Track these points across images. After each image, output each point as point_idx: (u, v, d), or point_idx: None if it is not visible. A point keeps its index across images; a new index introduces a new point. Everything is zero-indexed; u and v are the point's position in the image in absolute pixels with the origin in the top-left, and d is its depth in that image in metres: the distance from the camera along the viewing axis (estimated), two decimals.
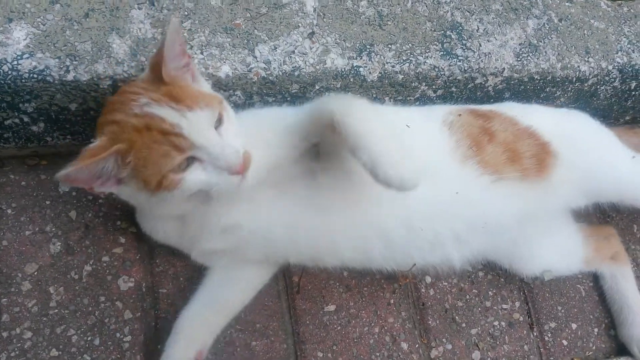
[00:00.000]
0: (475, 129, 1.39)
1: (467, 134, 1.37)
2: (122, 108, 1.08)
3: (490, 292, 1.61)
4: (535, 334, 1.60)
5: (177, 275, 1.45)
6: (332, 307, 1.50)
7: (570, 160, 1.43)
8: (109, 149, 1.03)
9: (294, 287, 1.49)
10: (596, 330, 1.64)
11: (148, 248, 1.44)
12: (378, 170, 1.07)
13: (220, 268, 1.39)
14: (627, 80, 1.69)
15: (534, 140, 1.41)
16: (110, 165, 1.05)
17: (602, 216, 1.79)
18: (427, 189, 1.18)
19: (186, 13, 1.37)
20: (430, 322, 1.54)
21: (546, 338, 1.59)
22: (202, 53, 1.34)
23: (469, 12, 1.57)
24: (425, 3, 1.54)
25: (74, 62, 1.27)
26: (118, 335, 1.36)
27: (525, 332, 1.59)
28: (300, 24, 1.44)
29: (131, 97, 1.08)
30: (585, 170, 1.45)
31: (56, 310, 1.35)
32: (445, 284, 1.60)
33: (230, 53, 1.37)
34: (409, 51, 1.49)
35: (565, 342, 1.61)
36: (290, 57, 1.41)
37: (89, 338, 1.35)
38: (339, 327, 1.48)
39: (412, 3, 1.54)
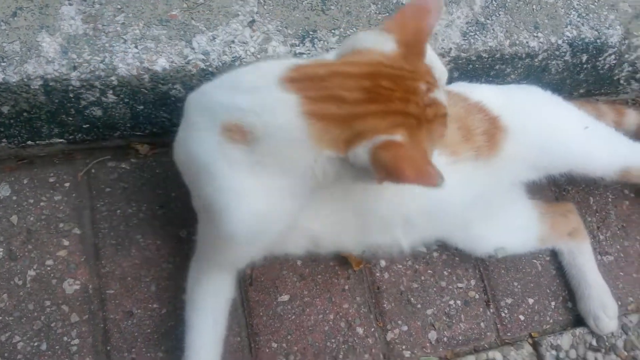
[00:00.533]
0: None
1: None
2: None
3: (445, 272, 1.62)
4: (491, 310, 1.61)
5: (124, 275, 1.44)
6: (286, 297, 1.50)
7: (520, 134, 1.42)
8: None
9: (247, 280, 1.48)
10: (553, 303, 1.65)
11: (93, 249, 1.41)
12: None
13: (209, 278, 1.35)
14: (578, 53, 1.68)
15: (484, 115, 1.40)
16: None
17: (557, 190, 1.79)
18: None
19: (119, 6, 1.33)
20: (385, 305, 1.55)
21: (503, 314, 1.61)
22: (136, 47, 1.32)
23: None
24: None
25: (2, 64, 1.24)
26: (65, 339, 1.35)
27: (481, 309, 1.60)
28: (239, 12, 1.41)
29: None
30: (535, 142, 1.44)
31: (0, 318, 1.33)
32: (400, 266, 1.60)
33: (166, 46, 1.34)
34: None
35: (522, 317, 1.62)
36: (230, 47, 1.38)
37: (36, 344, 1.34)
38: (293, 317, 1.49)
39: None
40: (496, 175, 1.41)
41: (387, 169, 0.95)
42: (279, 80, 1.01)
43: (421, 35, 1.07)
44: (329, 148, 0.99)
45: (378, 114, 0.98)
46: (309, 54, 1.42)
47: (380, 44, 1.05)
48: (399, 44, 1.05)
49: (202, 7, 1.39)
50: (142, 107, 1.41)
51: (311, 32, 1.44)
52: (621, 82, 1.88)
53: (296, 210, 1.13)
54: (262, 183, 1.04)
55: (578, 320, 1.67)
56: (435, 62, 1.25)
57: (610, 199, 1.83)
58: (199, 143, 1.08)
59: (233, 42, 1.38)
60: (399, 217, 1.34)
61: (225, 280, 1.32)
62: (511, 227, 1.62)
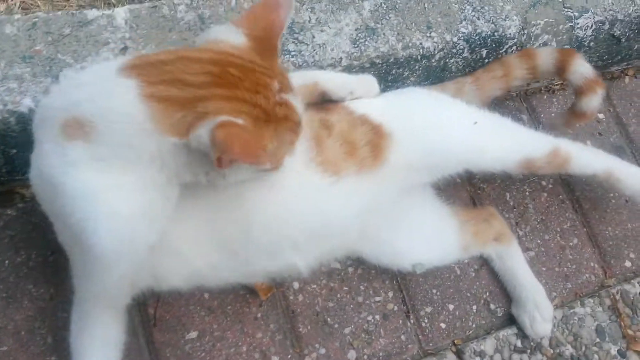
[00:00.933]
0: (316, 124, 1.31)
1: (311, 132, 1.29)
2: None
3: (361, 287, 1.57)
4: (412, 321, 1.57)
5: (18, 329, 1.36)
6: (194, 334, 1.43)
7: (405, 139, 1.37)
8: None
9: (150, 320, 1.41)
10: (475, 307, 1.61)
11: None
12: None
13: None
14: (477, 49, 1.64)
15: (367, 127, 1.35)
16: None
17: (472, 189, 1.75)
18: (266, 197, 1.20)
19: None
20: (301, 329, 1.49)
21: (423, 324, 1.57)
22: None
23: (298, 2, 1.49)
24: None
25: None
26: None
27: (401, 321, 1.55)
28: (110, 40, 1.33)
29: None
30: (421, 145, 1.39)
31: None
32: (315, 286, 1.54)
33: (31, 84, 1.26)
34: None
35: (443, 325, 1.58)
36: None
37: None
38: (203, 354, 1.42)
39: (235, 1, 1.44)
40: (386, 183, 1.37)
41: (218, 145, 0.91)
42: (119, 69, 0.97)
43: (272, 30, 1.07)
44: (171, 133, 0.95)
45: (223, 98, 0.95)
46: None
47: (231, 37, 1.04)
48: (249, 38, 1.05)
49: (68, 38, 1.31)
50: (15, 150, 1.32)
51: None
52: None
53: (159, 210, 1.06)
54: (111, 180, 0.98)
55: (502, 321, 1.64)
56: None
57: (527, 193, 1.81)
58: (43, 158, 1.02)
59: None
60: (284, 240, 1.28)
61: (112, 321, 1.24)
62: (428, 239, 1.58)
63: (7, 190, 1.46)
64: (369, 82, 1.43)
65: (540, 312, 1.59)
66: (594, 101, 1.62)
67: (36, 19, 1.31)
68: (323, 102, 1.37)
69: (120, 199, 1.00)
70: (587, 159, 1.60)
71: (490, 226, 1.65)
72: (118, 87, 0.97)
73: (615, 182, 1.61)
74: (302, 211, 1.28)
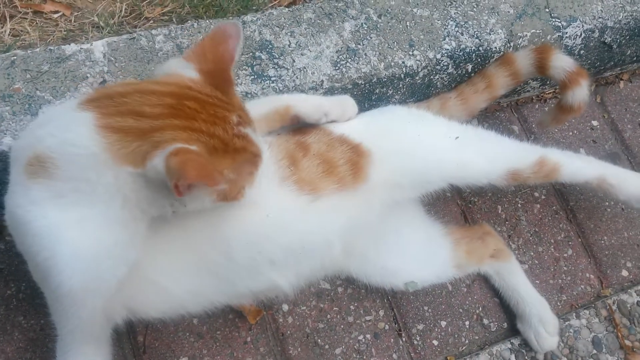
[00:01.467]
0: (292, 145, 1.32)
1: (285, 153, 1.30)
2: None
3: (351, 307, 1.57)
4: (403, 339, 1.56)
5: None
6: None
7: (385, 156, 1.37)
8: None
9: (140, 348, 1.42)
10: (467, 323, 1.61)
11: None
12: None
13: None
14: (462, 64, 1.63)
15: (346, 147, 1.35)
16: None
17: (463, 203, 1.74)
18: (244, 217, 1.21)
19: None
20: (291, 351, 1.50)
21: (415, 342, 1.56)
22: None
23: (278, 27, 1.49)
24: None
25: None
26: None
27: (392, 340, 1.55)
28: (89, 74, 1.35)
29: None
30: (402, 162, 1.40)
31: None
32: (304, 307, 1.55)
33: (11, 122, 1.28)
34: None
35: (435, 342, 1.58)
36: None
37: None
38: None
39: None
40: (369, 200, 1.37)
41: (173, 172, 0.91)
42: (77, 104, 0.99)
43: (223, 63, 1.07)
44: (127, 163, 0.96)
45: (179, 127, 0.96)
46: None
47: (185, 71, 1.05)
48: (200, 73, 1.05)
49: (46, 75, 1.32)
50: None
51: None
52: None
53: (126, 246, 1.07)
54: (73, 218, 1.00)
55: (496, 336, 1.63)
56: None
57: (519, 205, 1.80)
58: (11, 198, 1.05)
59: None
60: (262, 259, 1.28)
61: (94, 354, 1.25)
62: (419, 257, 1.58)
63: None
64: (345, 103, 1.43)
65: (545, 326, 1.58)
66: (579, 93, 1.58)
67: (14, 57, 1.33)
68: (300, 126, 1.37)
69: (84, 236, 1.01)
70: (577, 166, 1.58)
71: (484, 244, 1.64)
72: (75, 120, 0.99)
73: (609, 187, 1.58)
74: (278, 229, 1.29)
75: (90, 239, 1.02)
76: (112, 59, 1.37)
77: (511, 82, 1.67)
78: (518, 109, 1.90)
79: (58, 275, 1.02)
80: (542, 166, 1.51)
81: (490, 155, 1.50)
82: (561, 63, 1.58)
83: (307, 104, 1.37)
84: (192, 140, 0.97)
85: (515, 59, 1.64)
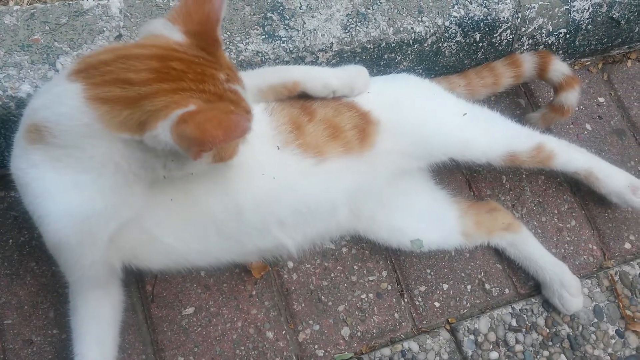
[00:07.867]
0: (296, 110, 1.35)
1: (288, 118, 1.33)
2: None
3: (355, 267, 1.60)
4: (405, 300, 1.59)
5: (21, 304, 1.42)
6: (190, 310, 1.48)
7: (392, 126, 1.42)
8: None
9: (148, 297, 1.47)
10: (469, 287, 1.64)
11: None
12: None
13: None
14: (470, 33, 1.66)
15: (354, 112, 1.39)
16: None
17: (468, 172, 1.77)
18: (251, 179, 1.25)
19: None
20: (295, 306, 1.53)
21: (417, 303, 1.59)
22: None
23: None
24: None
25: None
26: None
27: (394, 300, 1.58)
28: (105, 28, 1.39)
29: None
30: (409, 133, 1.44)
31: None
32: (309, 265, 1.58)
33: (29, 71, 1.32)
34: (227, 40, 1.45)
35: (437, 304, 1.61)
36: None
37: None
38: (199, 329, 1.47)
39: None
40: (375, 166, 1.41)
41: (195, 140, 0.93)
42: (67, 75, 1.02)
43: (208, 23, 1.07)
44: (121, 131, 0.99)
45: (168, 92, 0.98)
46: None
47: (170, 33, 1.06)
48: (187, 34, 1.06)
49: (64, 27, 1.37)
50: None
51: None
52: None
53: (119, 206, 1.13)
54: (67, 180, 1.05)
55: (498, 301, 1.66)
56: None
57: (524, 175, 1.82)
58: (14, 161, 1.11)
59: None
60: (270, 218, 1.32)
61: (103, 300, 1.30)
62: (425, 219, 1.62)
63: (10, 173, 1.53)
64: (355, 80, 1.45)
65: (567, 289, 1.61)
66: (571, 96, 1.71)
67: (34, 10, 1.37)
68: None
69: (77, 198, 1.07)
70: (571, 156, 1.65)
71: (493, 217, 1.68)
72: (65, 92, 1.02)
73: (595, 180, 1.66)
74: (286, 190, 1.32)
75: (83, 200, 1.08)
76: (128, 14, 1.42)
77: (512, 83, 1.79)
78: (525, 83, 1.93)
79: (47, 231, 1.11)
80: (539, 152, 1.58)
81: (493, 136, 1.56)
82: (560, 67, 1.72)
83: (315, 82, 1.40)
84: (184, 100, 0.98)
85: (522, 62, 1.76)
